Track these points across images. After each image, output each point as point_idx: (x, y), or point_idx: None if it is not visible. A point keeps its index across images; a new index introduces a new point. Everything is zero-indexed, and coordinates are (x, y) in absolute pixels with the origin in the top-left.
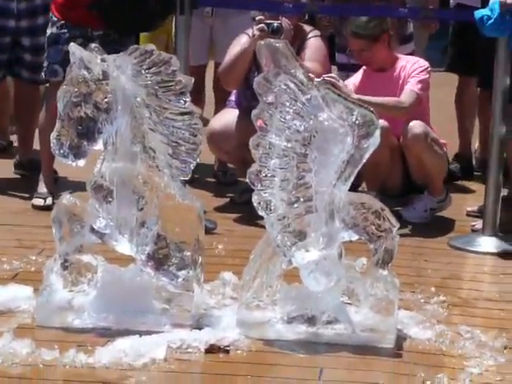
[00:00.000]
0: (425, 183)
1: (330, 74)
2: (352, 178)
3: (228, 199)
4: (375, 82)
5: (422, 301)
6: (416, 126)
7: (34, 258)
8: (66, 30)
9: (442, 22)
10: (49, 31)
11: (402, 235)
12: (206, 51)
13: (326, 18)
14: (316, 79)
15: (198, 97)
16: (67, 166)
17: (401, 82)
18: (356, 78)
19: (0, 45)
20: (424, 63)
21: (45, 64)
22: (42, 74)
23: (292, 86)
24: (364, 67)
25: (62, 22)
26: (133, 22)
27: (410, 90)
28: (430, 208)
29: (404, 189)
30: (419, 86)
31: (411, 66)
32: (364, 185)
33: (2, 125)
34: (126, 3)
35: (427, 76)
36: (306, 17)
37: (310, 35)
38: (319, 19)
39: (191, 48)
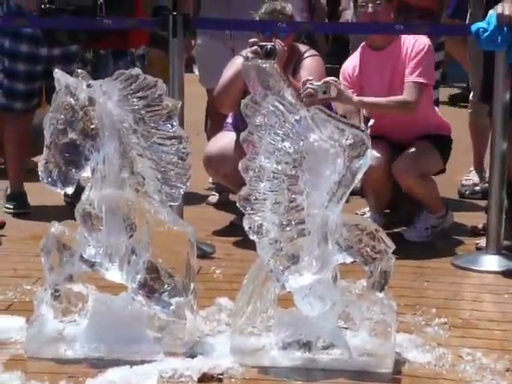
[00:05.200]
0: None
1: (331, 78)
2: (344, 199)
3: (228, 223)
4: (372, 61)
5: (423, 323)
6: (403, 160)
7: (29, 287)
8: None
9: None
10: None
11: (404, 256)
12: None
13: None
14: (316, 83)
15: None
16: None
17: (400, 60)
18: (353, 61)
19: (33, 73)
20: (424, 42)
21: None
22: None
23: (280, 107)
24: (360, 47)
25: None
26: None
27: (411, 84)
28: (431, 225)
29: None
30: (421, 70)
31: (411, 48)
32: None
33: None
34: None
35: (428, 56)
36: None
37: (305, 55)
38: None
39: (213, 71)
